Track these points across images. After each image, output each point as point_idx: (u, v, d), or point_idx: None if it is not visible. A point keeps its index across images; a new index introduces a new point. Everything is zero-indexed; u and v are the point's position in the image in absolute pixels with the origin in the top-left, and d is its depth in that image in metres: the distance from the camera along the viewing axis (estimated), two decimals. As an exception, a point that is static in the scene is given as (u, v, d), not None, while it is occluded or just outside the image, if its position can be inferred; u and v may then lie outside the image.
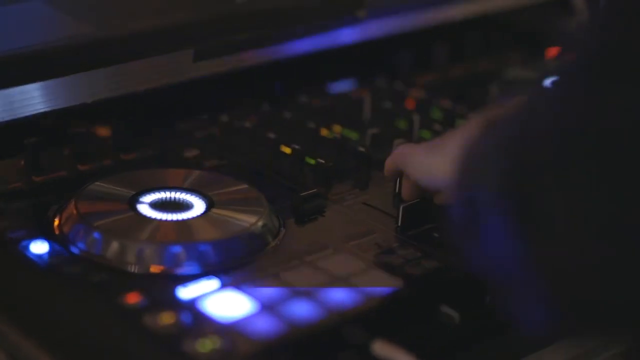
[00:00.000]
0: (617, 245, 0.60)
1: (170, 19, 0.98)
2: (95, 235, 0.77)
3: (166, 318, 0.70)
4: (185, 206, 0.82)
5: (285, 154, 0.93)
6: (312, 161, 0.92)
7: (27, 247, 0.78)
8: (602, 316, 0.63)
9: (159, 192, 0.83)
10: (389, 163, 0.86)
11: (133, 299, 0.72)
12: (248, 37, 1.01)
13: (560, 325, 0.66)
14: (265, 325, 0.70)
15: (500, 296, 0.66)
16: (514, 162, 0.63)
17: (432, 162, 0.79)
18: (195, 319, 0.70)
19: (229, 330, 0.69)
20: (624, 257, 0.61)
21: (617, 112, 0.60)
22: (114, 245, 0.77)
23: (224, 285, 0.74)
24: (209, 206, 0.82)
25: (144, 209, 0.81)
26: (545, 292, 0.63)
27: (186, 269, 0.76)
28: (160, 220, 0.80)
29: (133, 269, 0.76)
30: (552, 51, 1.17)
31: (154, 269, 0.76)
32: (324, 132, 0.98)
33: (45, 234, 0.80)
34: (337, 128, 1.00)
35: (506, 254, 0.63)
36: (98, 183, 0.84)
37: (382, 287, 0.76)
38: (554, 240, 0.61)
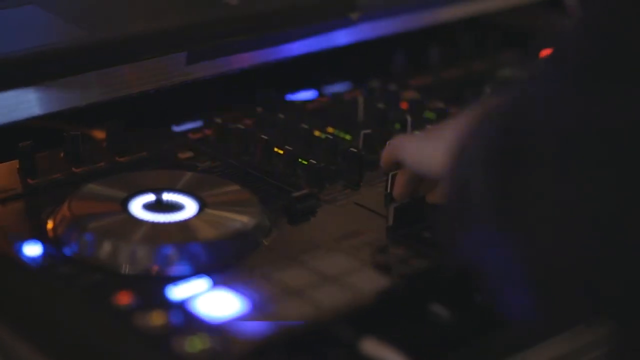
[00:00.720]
0: (614, 242, 0.61)
1: (163, 22, 0.99)
2: (88, 236, 0.78)
3: (158, 318, 0.71)
4: (177, 207, 0.82)
5: (278, 155, 0.94)
6: (305, 162, 0.92)
7: (21, 249, 0.78)
8: (594, 307, 0.64)
9: (152, 193, 0.84)
10: (386, 154, 0.87)
11: (125, 299, 0.72)
12: (241, 39, 1.01)
13: (549, 316, 0.66)
14: (256, 325, 0.71)
15: (488, 287, 0.67)
16: (508, 156, 0.63)
17: (427, 149, 0.79)
18: (187, 319, 0.71)
19: (220, 330, 0.70)
20: (620, 254, 0.61)
21: (617, 112, 0.60)
22: (107, 247, 0.77)
23: (215, 285, 0.75)
24: (202, 207, 0.83)
25: (137, 210, 0.82)
26: (535, 285, 0.64)
27: (178, 270, 0.77)
28: (153, 221, 0.80)
29: (125, 270, 0.77)
30: (546, 52, 1.18)
31: (147, 270, 0.76)
32: (317, 133, 0.99)
33: (39, 235, 0.80)
34: (330, 129, 1.01)
35: (495, 246, 0.64)
36: (91, 185, 0.85)
37: (373, 286, 0.76)
38: (548, 235, 0.62)
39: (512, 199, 0.63)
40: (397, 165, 0.86)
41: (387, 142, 0.89)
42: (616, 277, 0.63)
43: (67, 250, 0.79)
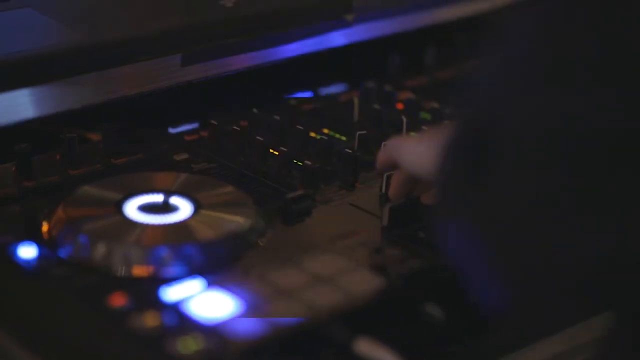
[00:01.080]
0: (579, 238, 0.62)
1: (159, 23, 0.99)
2: (83, 238, 0.78)
3: (152, 319, 0.71)
4: (172, 209, 0.83)
5: (273, 156, 0.94)
6: (300, 163, 0.92)
7: (16, 251, 0.79)
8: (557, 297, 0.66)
9: (147, 195, 0.84)
10: (382, 154, 0.87)
11: (119, 301, 0.73)
12: (236, 41, 1.01)
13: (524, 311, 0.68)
14: (251, 326, 0.71)
15: (467, 282, 0.68)
16: (477, 154, 0.65)
17: (423, 150, 0.80)
18: (181, 321, 0.71)
19: (214, 331, 0.70)
20: (588, 250, 0.62)
21: (585, 111, 0.61)
22: (101, 249, 0.77)
23: (210, 287, 0.75)
24: (197, 208, 0.83)
25: (132, 212, 0.82)
26: (506, 280, 0.65)
27: (173, 271, 0.77)
28: (148, 223, 0.80)
29: (120, 271, 0.77)
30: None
31: (141, 271, 0.77)
32: (312, 134, 0.99)
33: (34, 238, 0.81)
34: (326, 131, 1.01)
35: (467, 241, 0.65)
36: (87, 187, 0.85)
37: (367, 286, 0.76)
38: (514, 231, 0.64)
39: (479, 195, 0.64)
40: (393, 166, 0.86)
41: (383, 143, 0.89)
42: (586, 273, 0.63)
43: (63, 252, 0.79)
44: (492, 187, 0.64)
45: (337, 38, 1.08)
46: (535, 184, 0.62)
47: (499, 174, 0.63)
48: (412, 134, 1.00)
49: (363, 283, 0.77)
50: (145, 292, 0.74)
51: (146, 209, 0.82)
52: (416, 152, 0.81)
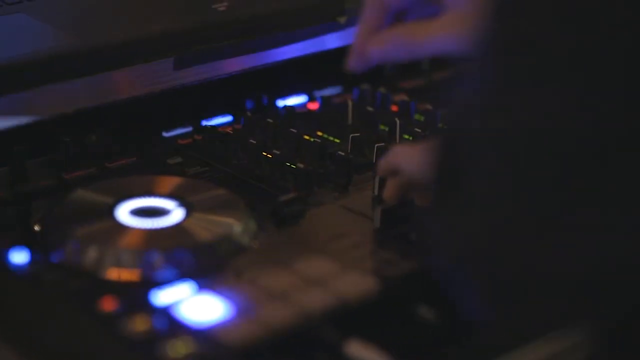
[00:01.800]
0: (555, 243, 0.62)
1: (152, 27, 0.99)
2: (75, 242, 0.78)
3: (142, 323, 0.71)
4: (165, 213, 0.83)
5: (266, 159, 0.94)
6: (293, 166, 0.93)
7: (8, 255, 0.79)
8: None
9: (139, 199, 0.84)
10: (384, 162, 0.87)
11: (110, 305, 0.73)
12: (229, 44, 1.02)
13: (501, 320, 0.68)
14: (242, 329, 0.71)
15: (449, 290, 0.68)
16: (447, 165, 0.66)
17: (424, 158, 0.80)
18: (172, 324, 0.71)
19: (205, 335, 0.70)
20: (563, 255, 0.62)
21: (534, 114, 0.62)
22: (93, 253, 0.78)
23: (201, 290, 0.75)
24: (189, 212, 0.83)
25: (124, 216, 0.82)
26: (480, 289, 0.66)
27: (165, 275, 0.77)
28: (139, 227, 0.81)
29: (111, 275, 0.77)
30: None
31: (132, 275, 0.77)
32: (306, 137, 0.99)
33: (27, 242, 0.81)
34: (320, 133, 1.01)
35: (444, 252, 0.66)
36: (80, 191, 0.85)
37: (359, 288, 0.76)
38: (488, 239, 0.64)
39: (451, 206, 0.64)
40: (394, 172, 0.86)
41: (376, 145, 0.89)
42: (586, 274, 0.63)
43: (55, 257, 0.79)
44: (462, 198, 0.64)
45: (331, 40, 1.08)
46: (528, 185, 0.62)
47: (483, 182, 0.63)
48: (406, 136, 1.00)
49: (355, 285, 0.77)
50: (137, 296, 0.74)
51: (139, 212, 0.82)
52: (418, 160, 0.81)
